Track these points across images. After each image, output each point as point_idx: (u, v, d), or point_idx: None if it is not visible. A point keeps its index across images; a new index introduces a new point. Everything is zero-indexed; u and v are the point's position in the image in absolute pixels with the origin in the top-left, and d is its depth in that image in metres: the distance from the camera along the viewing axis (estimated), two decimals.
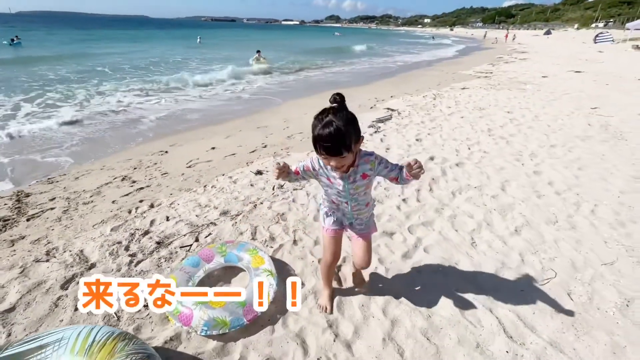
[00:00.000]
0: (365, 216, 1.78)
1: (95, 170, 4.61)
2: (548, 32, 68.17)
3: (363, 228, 1.80)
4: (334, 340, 1.82)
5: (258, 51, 15.29)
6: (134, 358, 1.36)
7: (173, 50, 25.74)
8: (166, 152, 5.23)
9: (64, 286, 2.15)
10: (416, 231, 2.81)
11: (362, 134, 1.44)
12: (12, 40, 25.35)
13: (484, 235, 2.77)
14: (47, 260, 2.41)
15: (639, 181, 3.76)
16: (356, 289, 2.16)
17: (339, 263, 2.29)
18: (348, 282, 2.23)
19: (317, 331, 1.88)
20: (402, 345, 1.81)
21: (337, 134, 1.31)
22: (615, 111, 6.88)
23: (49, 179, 4.37)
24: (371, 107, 7.49)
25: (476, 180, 3.75)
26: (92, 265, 2.35)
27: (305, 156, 4.55)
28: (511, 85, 10.22)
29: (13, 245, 2.69)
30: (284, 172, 1.54)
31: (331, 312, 1.99)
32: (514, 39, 47.08)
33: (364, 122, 6.06)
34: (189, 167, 4.45)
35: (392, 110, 7.04)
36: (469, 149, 4.73)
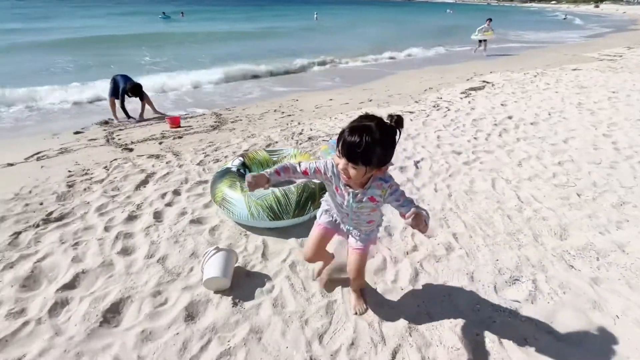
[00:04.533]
0: (364, 230, 1.70)
1: (252, 107, 6.78)
2: None
3: (359, 241, 1.71)
4: None
5: (489, 19, 13.11)
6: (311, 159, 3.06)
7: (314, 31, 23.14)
8: (297, 100, 7.15)
9: (267, 147, 4.07)
10: (478, 154, 3.99)
11: (390, 164, 1.38)
12: (164, 13, 28.41)
13: (532, 162, 3.79)
14: (253, 138, 4.42)
15: None
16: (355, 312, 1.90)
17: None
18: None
19: None
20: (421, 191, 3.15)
21: (365, 143, 1.25)
22: None
23: (226, 108, 6.68)
24: (467, 79, 8.22)
25: (543, 134, 4.60)
26: (276, 142, 4.25)
27: (400, 109, 5.88)
28: (636, 69, 9.45)
29: (231, 131, 4.84)
30: (258, 185, 1.45)
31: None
32: None
33: (458, 90, 7.00)
34: (317, 108, 6.26)
35: (487, 82, 7.71)
36: (549, 114, 5.41)
